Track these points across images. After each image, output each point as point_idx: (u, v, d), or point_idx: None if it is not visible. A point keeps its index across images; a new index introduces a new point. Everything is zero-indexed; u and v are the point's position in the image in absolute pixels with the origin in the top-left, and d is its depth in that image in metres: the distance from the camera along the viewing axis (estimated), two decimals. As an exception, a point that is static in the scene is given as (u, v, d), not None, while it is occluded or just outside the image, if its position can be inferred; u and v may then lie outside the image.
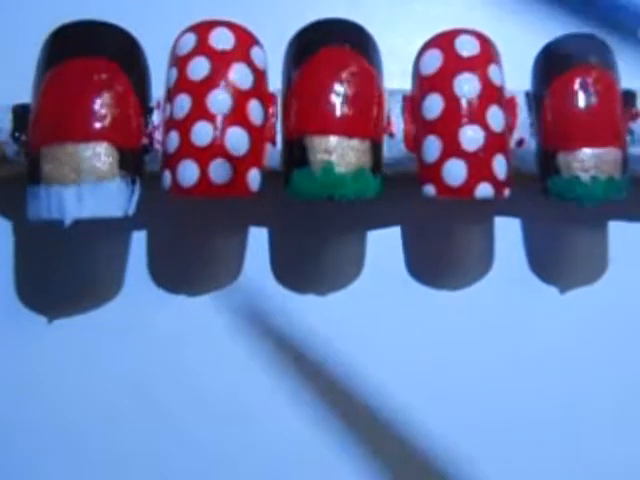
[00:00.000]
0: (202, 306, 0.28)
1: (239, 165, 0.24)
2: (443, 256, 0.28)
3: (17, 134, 0.25)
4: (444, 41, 0.25)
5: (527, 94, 0.26)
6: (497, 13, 0.31)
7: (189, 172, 0.23)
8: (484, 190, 0.24)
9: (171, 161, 0.24)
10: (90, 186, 0.23)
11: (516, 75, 0.26)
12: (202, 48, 0.24)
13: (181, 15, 0.26)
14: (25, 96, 0.25)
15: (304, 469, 0.27)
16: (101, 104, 0.23)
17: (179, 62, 0.25)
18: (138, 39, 0.25)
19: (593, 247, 0.29)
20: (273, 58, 0.26)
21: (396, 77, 0.26)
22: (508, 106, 0.25)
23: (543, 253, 0.29)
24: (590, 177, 0.24)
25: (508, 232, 0.29)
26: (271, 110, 0.25)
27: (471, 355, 0.27)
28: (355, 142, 0.24)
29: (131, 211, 0.24)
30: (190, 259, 0.28)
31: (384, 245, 0.28)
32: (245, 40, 0.25)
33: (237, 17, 0.26)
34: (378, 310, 0.28)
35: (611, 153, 0.24)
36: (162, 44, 0.25)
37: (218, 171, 0.23)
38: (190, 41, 0.25)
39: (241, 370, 0.27)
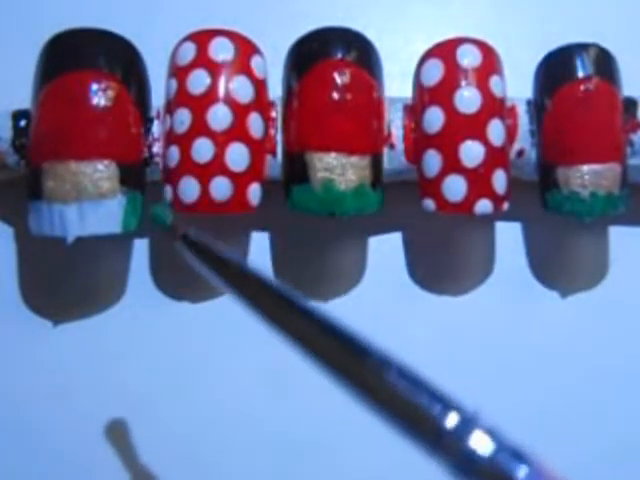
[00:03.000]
0: (204, 312, 0.28)
1: (240, 181, 0.24)
2: (444, 261, 0.29)
3: (17, 143, 0.25)
4: (445, 51, 0.25)
5: (528, 102, 0.26)
6: (497, 14, 0.30)
7: (190, 189, 0.23)
8: (483, 206, 0.24)
9: (172, 177, 0.24)
10: (92, 204, 0.23)
11: (516, 76, 0.26)
12: (202, 59, 0.24)
13: (180, 21, 0.26)
14: (25, 101, 0.25)
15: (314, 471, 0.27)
16: (101, 119, 0.23)
17: (179, 73, 0.24)
18: (136, 46, 0.25)
19: (594, 251, 0.29)
20: (273, 61, 0.26)
21: (396, 78, 0.26)
22: (509, 115, 0.25)
23: (544, 257, 0.29)
24: (589, 193, 0.24)
25: (509, 237, 0.29)
26: (271, 119, 0.25)
27: (473, 359, 0.28)
28: (355, 159, 0.24)
29: (133, 227, 0.24)
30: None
31: (385, 250, 0.28)
32: (245, 49, 0.25)
33: (236, 20, 0.26)
34: (380, 315, 0.28)
35: (610, 169, 0.24)
36: (161, 49, 0.25)
37: (219, 188, 0.23)
38: (190, 51, 0.24)
39: (244, 375, 0.27)
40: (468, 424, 0.16)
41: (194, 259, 0.20)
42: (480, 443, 0.15)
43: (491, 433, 0.16)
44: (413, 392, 0.16)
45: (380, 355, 0.17)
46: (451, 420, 0.15)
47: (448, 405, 0.16)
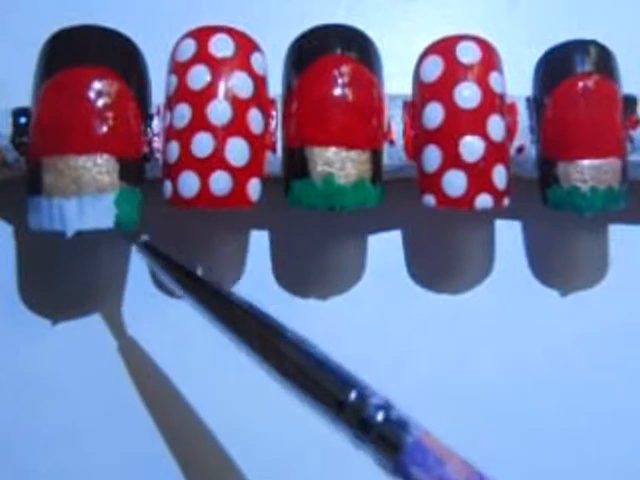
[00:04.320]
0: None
1: (239, 176, 0.24)
2: (444, 259, 0.28)
3: (17, 140, 0.25)
4: (445, 47, 0.25)
5: (528, 99, 0.26)
6: (497, 14, 0.31)
7: (189, 183, 0.23)
8: (484, 201, 0.24)
9: (171, 171, 0.24)
10: (91, 198, 0.23)
11: (516, 77, 0.26)
12: (202, 55, 0.24)
13: (180, 18, 0.26)
14: (25, 99, 0.25)
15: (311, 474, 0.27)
16: (101, 114, 0.23)
17: (179, 69, 0.24)
18: (137, 43, 0.25)
19: (594, 250, 0.29)
20: (273, 60, 0.26)
21: (395, 78, 0.26)
22: (509, 112, 0.25)
23: (544, 256, 0.29)
24: (589, 188, 0.24)
25: (509, 235, 0.29)
26: (271, 116, 0.25)
27: (472, 358, 0.27)
28: (355, 153, 0.24)
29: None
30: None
31: (385, 249, 0.28)
32: (245, 46, 0.25)
33: (237, 20, 0.26)
34: (379, 313, 0.28)
35: (611, 163, 0.24)
36: (161, 46, 0.25)
37: (218, 182, 0.23)
38: (190, 47, 0.25)
39: (243, 374, 0.27)
40: (366, 397, 0.19)
41: (151, 261, 0.23)
42: (375, 413, 0.19)
43: (386, 405, 0.19)
44: (320, 370, 0.19)
45: (293, 335, 0.20)
46: (352, 394, 0.19)
47: (349, 382, 0.19)
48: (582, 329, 0.28)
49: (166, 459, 0.27)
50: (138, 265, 0.28)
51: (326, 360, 0.20)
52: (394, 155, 0.25)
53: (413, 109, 0.25)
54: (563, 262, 0.29)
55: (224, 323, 0.21)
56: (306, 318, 0.27)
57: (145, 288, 0.28)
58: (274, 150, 0.25)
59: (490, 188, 0.24)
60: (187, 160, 0.24)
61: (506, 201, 0.25)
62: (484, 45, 0.25)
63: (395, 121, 0.25)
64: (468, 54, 0.24)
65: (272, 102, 0.25)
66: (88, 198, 0.23)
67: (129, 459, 0.27)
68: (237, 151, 0.24)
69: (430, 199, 0.24)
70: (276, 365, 0.20)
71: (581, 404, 0.27)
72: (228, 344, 0.27)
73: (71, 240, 0.23)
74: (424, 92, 0.25)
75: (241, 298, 0.22)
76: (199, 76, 0.24)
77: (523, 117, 0.25)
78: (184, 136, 0.24)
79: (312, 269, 0.28)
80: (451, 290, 0.28)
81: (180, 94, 0.24)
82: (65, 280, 0.28)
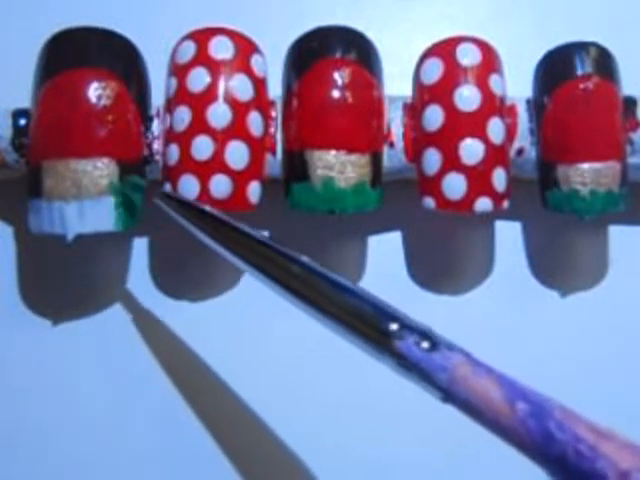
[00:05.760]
0: (204, 311, 0.28)
1: (239, 179, 0.24)
2: (444, 260, 0.29)
3: (17, 141, 0.25)
4: (445, 49, 0.25)
5: (528, 101, 0.26)
6: (497, 14, 0.30)
7: (189, 187, 0.23)
8: (483, 204, 0.24)
9: (171, 175, 0.24)
10: (91, 202, 0.23)
11: (516, 77, 0.26)
12: (202, 58, 0.24)
13: (180, 20, 0.26)
14: (25, 100, 0.25)
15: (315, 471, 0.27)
16: (101, 117, 0.23)
17: (178, 72, 0.24)
18: (136, 44, 0.25)
19: (593, 251, 0.29)
20: (273, 61, 0.26)
21: (395, 79, 0.26)
22: (509, 114, 0.25)
23: (544, 257, 0.29)
24: (589, 191, 0.24)
25: (509, 236, 0.29)
26: (271, 118, 0.25)
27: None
28: (355, 156, 0.24)
29: (132, 225, 0.24)
30: (192, 264, 0.28)
31: (385, 250, 0.28)
32: (245, 48, 0.25)
33: (236, 20, 0.26)
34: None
35: (610, 167, 0.24)
36: (161, 48, 0.25)
37: (218, 186, 0.23)
38: (189, 50, 0.25)
39: (243, 375, 0.27)
40: (408, 329, 0.19)
41: (174, 212, 0.22)
42: (420, 343, 0.18)
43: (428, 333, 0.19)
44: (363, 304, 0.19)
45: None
46: (393, 325, 0.18)
47: (391, 314, 0.19)
48: (582, 329, 0.28)
49: (168, 458, 0.27)
50: (138, 265, 0.28)
51: (364, 292, 0.19)
52: (394, 157, 0.25)
53: (413, 111, 0.25)
54: (563, 263, 0.29)
55: (260, 268, 0.21)
56: (306, 319, 0.27)
57: (145, 288, 0.28)
58: (274, 152, 0.25)
59: (490, 191, 0.24)
60: (187, 163, 0.24)
61: (506, 204, 0.25)
62: (484, 47, 0.25)
63: (395, 123, 0.25)
64: (468, 56, 0.24)
65: (272, 104, 0.25)
66: (88, 202, 0.23)
67: (130, 458, 0.27)
68: (237, 154, 0.24)
69: (430, 202, 0.24)
70: (319, 304, 0.19)
71: (581, 405, 0.27)
72: (227, 342, 0.27)
73: (73, 241, 0.23)
74: (424, 94, 0.25)
75: (273, 242, 0.21)
76: (199, 78, 0.24)
77: (523, 119, 0.25)
78: (184, 139, 0.24)
79: (312, 270, 0.28)
80: (451, 291, 0.28)
81: (180, 97, 0.24)
82: (65, 280, 0.28)
